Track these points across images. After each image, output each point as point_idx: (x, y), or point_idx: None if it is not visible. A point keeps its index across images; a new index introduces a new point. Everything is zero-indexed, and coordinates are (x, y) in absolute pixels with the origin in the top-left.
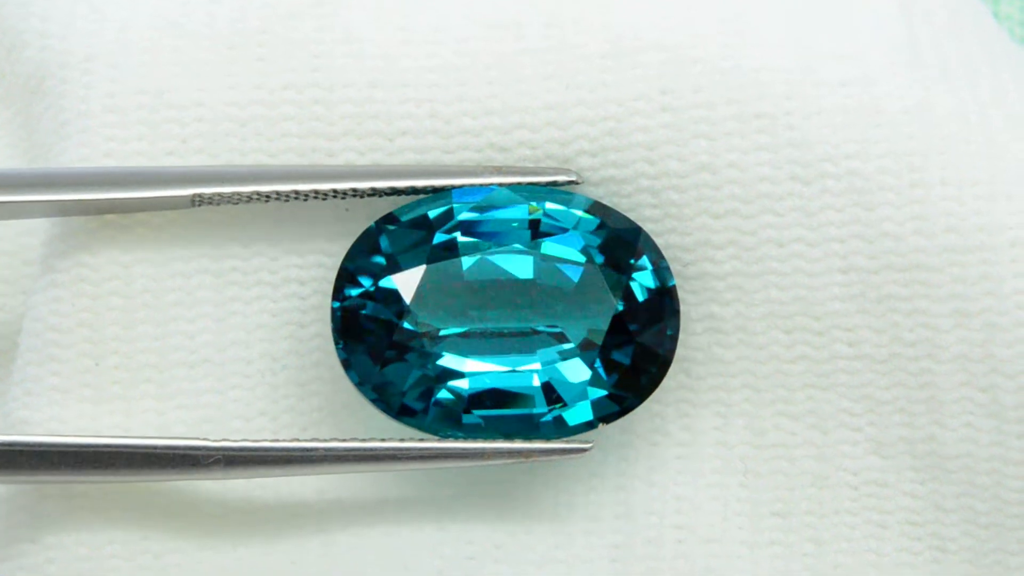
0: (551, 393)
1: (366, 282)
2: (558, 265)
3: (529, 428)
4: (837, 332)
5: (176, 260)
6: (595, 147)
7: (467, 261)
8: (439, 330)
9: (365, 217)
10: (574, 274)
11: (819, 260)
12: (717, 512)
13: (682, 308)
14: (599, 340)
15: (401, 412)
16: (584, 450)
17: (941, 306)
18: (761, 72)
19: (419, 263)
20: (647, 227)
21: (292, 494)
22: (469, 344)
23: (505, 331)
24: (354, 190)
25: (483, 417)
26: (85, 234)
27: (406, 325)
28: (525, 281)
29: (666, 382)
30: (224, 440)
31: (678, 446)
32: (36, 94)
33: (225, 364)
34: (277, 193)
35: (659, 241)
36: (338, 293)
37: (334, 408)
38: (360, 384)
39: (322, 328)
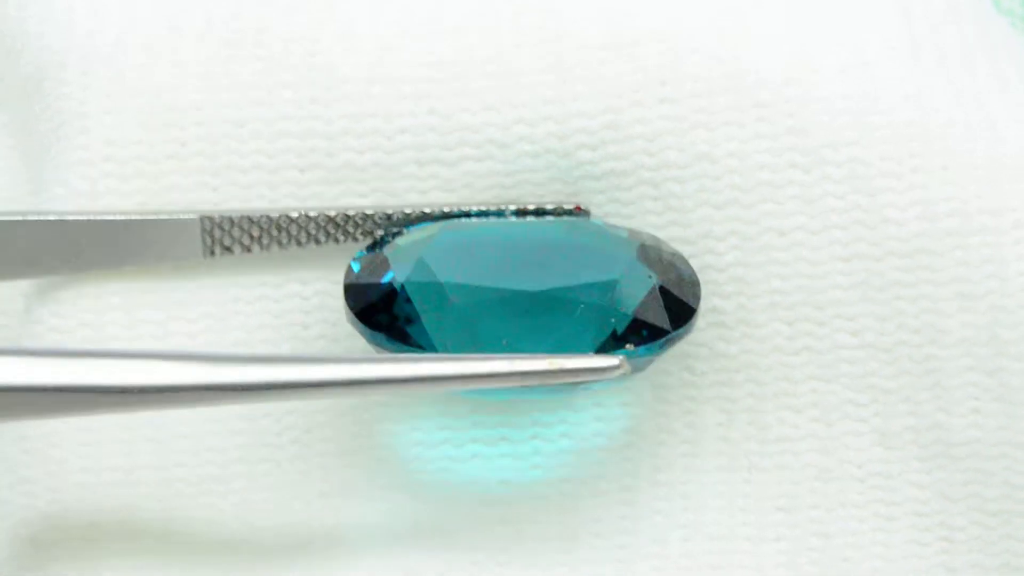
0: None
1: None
2: (581, 241)
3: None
4: (840, 321)
5: None
6: (594, 140)
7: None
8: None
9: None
10: (599, 251)
11: (821, 248)
12: (722, 509)
13: None
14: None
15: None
16: (616, 367)
17: (945, 290)
18: (759, 61)
19: (424, 249)
20: (648, 220)
21: (294, 497)
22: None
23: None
24: (364, 215)
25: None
26: None
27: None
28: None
29: (669, 379)
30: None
31: (683, 444)
32: (34, 97)
33: None
34: (288, 219)
35: (660, 234)
36: (348, 277)
37: (339, 408)
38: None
39: (325, 330)
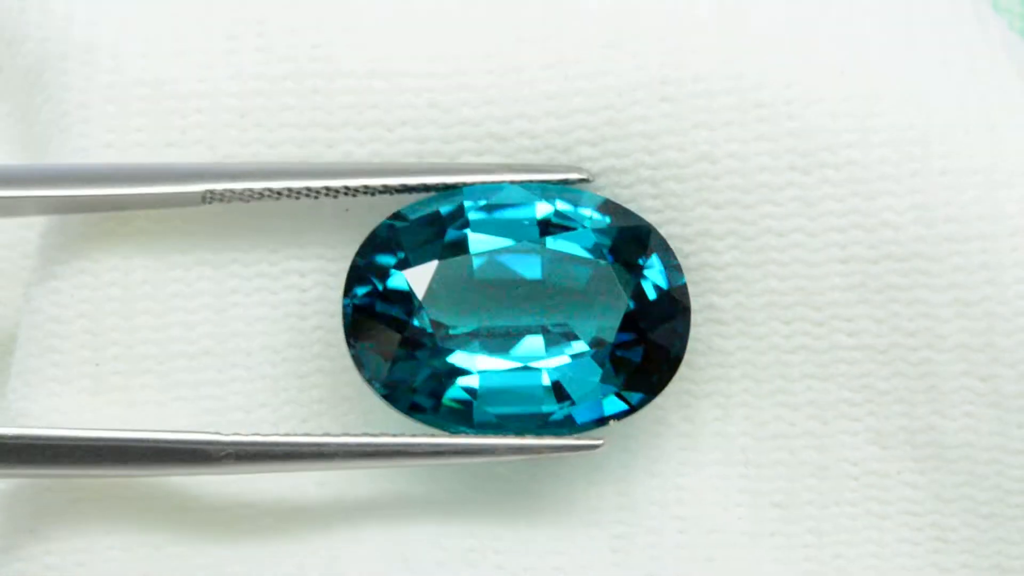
0: (561, 392)
1: (376, 280)
2: (568, 264)
3: (539, 425)
4: (837, 322)
5: (176, 252)
6: (595, 137)
7: (477, 260)
8: (449, 328)
9: (367, 210)
10: (584, 273)
11: (819, 250)
12: (718, 503)
13: None
14: (610, 339)
15: (411, 409)
16: (595, 447)
17: (941, 295)
18: (761, 62)
19: (430, 261)
20: (648, 218)
21: (293, 487)
22: (479, 342)
23: (515, 330)
24: (366, 187)
25: (494, 414)
26: (85, 226)
27: (416, 323)
28: (534, 280)
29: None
30: (235, 434)
31: (680, 437)
32: (36, 87)
33: (225, 356)
34: (289, 189)
35: (659, 232)
36: (349, 290)
37: (335, 401)
38: (370, 381)
39: (323, 320)
